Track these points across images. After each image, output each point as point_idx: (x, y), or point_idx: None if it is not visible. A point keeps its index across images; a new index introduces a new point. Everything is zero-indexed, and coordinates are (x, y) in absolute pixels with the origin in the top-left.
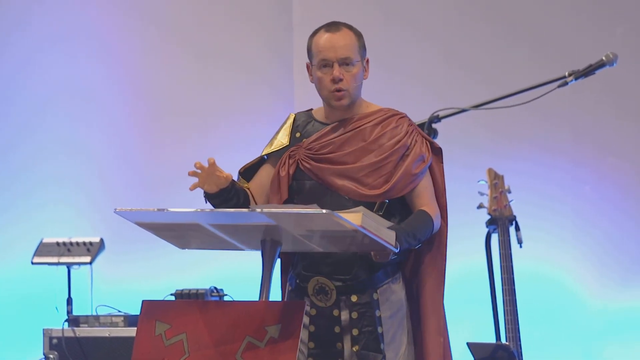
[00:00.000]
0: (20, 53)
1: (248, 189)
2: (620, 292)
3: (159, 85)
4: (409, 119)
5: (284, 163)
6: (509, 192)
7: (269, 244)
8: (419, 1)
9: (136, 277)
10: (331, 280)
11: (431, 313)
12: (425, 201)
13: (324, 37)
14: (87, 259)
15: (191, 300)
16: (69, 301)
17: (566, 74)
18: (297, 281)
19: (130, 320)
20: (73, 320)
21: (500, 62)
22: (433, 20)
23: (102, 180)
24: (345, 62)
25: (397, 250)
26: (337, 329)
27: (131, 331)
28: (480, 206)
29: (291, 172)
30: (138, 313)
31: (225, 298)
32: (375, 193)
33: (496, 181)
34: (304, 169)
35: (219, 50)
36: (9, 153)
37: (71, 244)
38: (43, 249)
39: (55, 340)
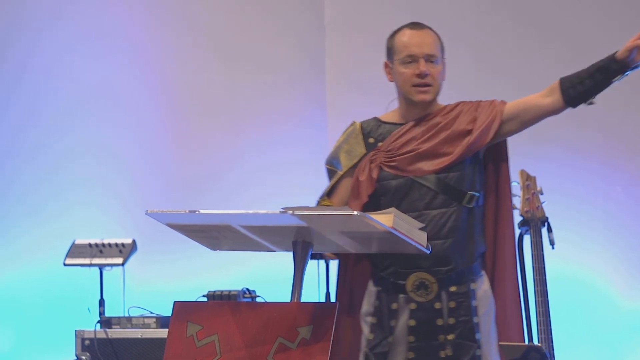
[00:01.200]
0: (50, 54)
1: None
2: None
3: (188, 86)
4: (479, 100)
5: (364, 168)
6: (541, 193)
7: (300, 245)
8: (449, 3)
9: (168, 278)
10: (432, 274)
11: (510, 298)
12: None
13: (409, 34)
14: (120, 260)
15: (223, 302)
16: (101, 302)
17: None
18: (391, 280)
19: (162, 322)
20: (105, 322)
21: (530, 63)
22: (463, 22)
23: (132, 182)
24: (430, 59)
25: (428, 252)
26: (439, 321)
27: (163, 332)
28: (512, 207)
29: (374, 176)
30: (170, 314)
31: (257, 299)
32: (454, 156)
33: (528, 182)
34: (389, 169)
35: (249, 51)
36: (39, 154)
37: (103, 245)
38: (75, 251)
39: (87, 342)
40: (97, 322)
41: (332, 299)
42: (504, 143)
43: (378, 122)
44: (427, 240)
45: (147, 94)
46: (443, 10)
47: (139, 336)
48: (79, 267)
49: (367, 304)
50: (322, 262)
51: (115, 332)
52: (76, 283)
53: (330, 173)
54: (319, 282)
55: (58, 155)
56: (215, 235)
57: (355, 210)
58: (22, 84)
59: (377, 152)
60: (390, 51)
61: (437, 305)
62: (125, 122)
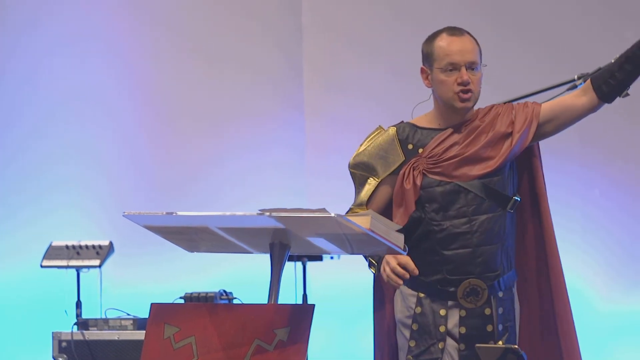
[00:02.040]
0: (29, 57)
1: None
2: (629, 296)
3: (167, 88)
4: (511, 102)
5: (408, 176)
6: None
7: (277, 246)
8: (429, 3)
9: (145, 280)
10: (482, 280)
11: (562, 309)
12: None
13: (449, 40)
14: (97, 262)
15: (200, 304)
16: (78, 304)
17: (575, 77)
18: (439, 287)
19: (139, 324)
20: (82, 324)
21: (508, 64)
22: (442, 22)
23: (111, 184)
24: (471, 67)
25: (405, 253)
26: (489, 328)
27: (140, 334)
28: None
29: (418, 183)
30: (147, 316)
31: (235, 301)
32: (499, 160)
33: None
34: (433, 175)
35: (228, 53)
36: (19, 157)
37: (80, 247)
38: (52, 252)
39: (64, 344)
40: (74, 324)
41: (309, 300)
42: (536, 145)
43: (414, 127)
44: (478, 247)
45: (126, 96)
46: (422, 10)
47: (116, 338)
48: (56, 269)
49: (405, 309)
50: (299, 264)
51: (92, 334)
52: (53, 285)
53: (358, 178)
54: (296, 283)
55: (37, 157)
56: (193, 237)
57: (334, 213)
58: (2, 86)
59: (419, 158)
60: (429, 57)
61: (488, 311)
62: (105, 124)
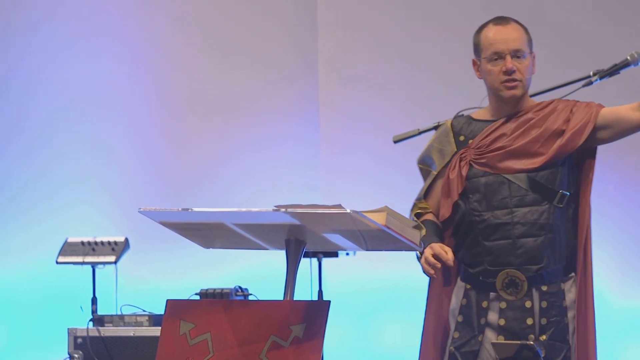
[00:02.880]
0: (43, 52)
1: (427, 208)
2: None
3: (181, 84)
4: (575, 100)
5: (455, 166)
6: None
7: (293, 243)
8: (441, 0)
9: (161, 276)
10: (522, 272)
11: (591, 307)
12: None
13: (494, 30)
14: (112, 258)
15: (216, 300)
16: (94, 301)
17: (591, 73)
18: (481, 278)
19: (154, 320)
20: (98, 320)
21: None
22: (456, 19)
23: (125, 180)
24: (517, 55)
25: (422, 250)
26: (529, 321)
27: (156, 330)
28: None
29: (464, 173)
30: (163, 312)
31: (250, 297)
32: (546, 157)
33: None
34: (478, 166)
35: (242, 49)
36: (33, 152)
37: (96, 243)
38: (68, 249)
39: (80, 340)
40: (90, 320)
41: (325, 297)
42: (594, 148)
43: (469, 119)
44: (519, 238)
45: (140, 92)
46: (436, 7)
47: (132, 334)
48: (71, 265)
49: (456, 301)
50: (314, 260)
51: (108, 330)
52: (69, 281)
53: (424, 173)
54: (312, 280)
55: (51, 153)
56: (208, 233)
57: (349, 209)
58: (15, 83)
59: (467, 149)
60: (477, 48)
61: (528, 304)
62: (119, 120)
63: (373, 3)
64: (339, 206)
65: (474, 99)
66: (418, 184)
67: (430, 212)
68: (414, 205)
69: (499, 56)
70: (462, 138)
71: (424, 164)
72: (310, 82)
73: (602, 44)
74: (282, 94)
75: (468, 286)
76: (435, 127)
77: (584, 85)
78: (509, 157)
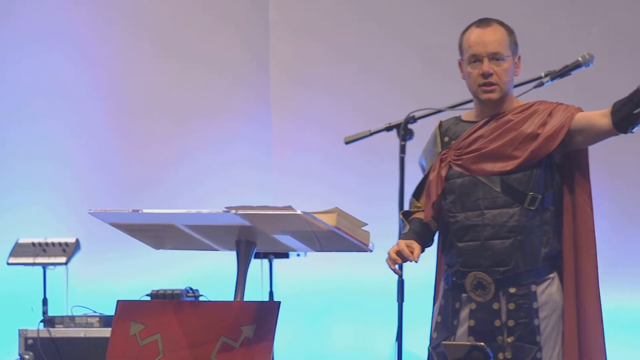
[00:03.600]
0: None
1: (419, 207)
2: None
3: (135, 85)
4: (557, 102)
5: (435, 167)
6: None
7: (243, 244)
8: (395, 1)
9: (112, 277)
10: (489, 274)
11: (591, 305)
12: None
13: (474, 33)
14: (63, 259)
15: (166, 301)
16: (45, 302)
17: (542, 74)
18: (454, 279)
19: (105, 321)
20: (48, 321)
21: None
22: (409, 20)
23: (77, 181)
24: (495, 57)
25: (371, 250)
26: (497, 323)
27: (106, 331)
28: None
29: (443, 174)
30: (113, 313)
31: (201, 298)
32: (519, 160)
33: None
34: (456, 168)
35: (194, 50)
36: None
37: (47, 244)
38: (19, 250)
39: (30, 341)
40: (41, 322)
41: (275, 298)
42: (584, 150)
43: (457, 120)
44: (487, 240)
45: (92, 92)
46: (389, 8)
47: (82, 335)
48: (22, 266)
49: (438, 302)
50: (265, 261)
51: (59, 332)
52: (19, 282)
53: (423, 173)
54: (262, 281)
55: (3, 154)
56: (159, 234)
57: (299, 210)
58: None
59: (449, 150)
60: (460, 50)
61: (495, 306)
62: (71, 121)
63: (325, 4)
64: (290, 207)
65: (426, 100)
66: (369, 185)
67: (422, 211)
68: (410, 203)
69: (477, 59)
70: (446, 139)
71: (420, 164)
72: (263, 83)
73: (554, 46)
74: (234, 95)
75: (446, 287)
76: (387, 129)
77: (535, 87)
78: (483, 159)
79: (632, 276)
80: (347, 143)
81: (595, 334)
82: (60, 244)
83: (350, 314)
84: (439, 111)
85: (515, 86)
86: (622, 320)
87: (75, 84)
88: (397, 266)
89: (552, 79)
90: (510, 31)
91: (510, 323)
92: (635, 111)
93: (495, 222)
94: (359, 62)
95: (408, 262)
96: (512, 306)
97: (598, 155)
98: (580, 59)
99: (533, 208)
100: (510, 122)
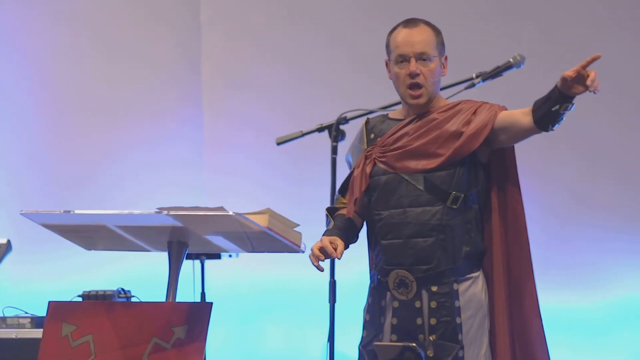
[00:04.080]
0: None
1: (345, 204)
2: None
3: (67, 83)
4: (482, 101)
5: (360, 164)
6: None
7: (175, 245)
8: (327, 3)
9: (43, 278)
10: (411, 272)
11: (527, 299)
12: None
13: (401, 33)
14: None
15: (98, 302)
16: None
17: (473, 75)
18: (379, 277)
19: (37, 322)
20: None
21: None
22: (340, 21)
23: (9, 181)
24: (421, 57)
25: (303, 251)
26: (419, 321)
27: (38, 332)
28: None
29: (368, 171)
30: (45, 314)
31: (133, 299)
32: (442, 158)
33: None
34: (381, 165)
35: (127, 48)
36: None
37: None
38: None
39: None
40: None
41: (207, 299)
42: (511, 147)
43: (383, 118)
44: (410, 238)
45: (24, 91)
46: (319, 9)
47: (14, 336)
48: None
49: (366, 300)
50: (197, 262)
51: None
52: None
53: (350, 170)
54: (194, 281)
55: None
56: (91, 235)
57: (231, 211)
58: None
59: (374, 147)
60: (387, 50)
61: (417, 304)
62: (4, 119)
63: (256, 5)
64: (221, 208)
65: (357, 101)
66: (300, 186)
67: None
68: (336, 199)
69: (404, 59)
70: (372, 136)
71: (347, 160)
72: (194, 83)
73: (485, 47)
74: (166, 94)
75: (372, 285)
76: (319, 129)
77: (466, 88)
78: (407, 157)
79: (564, 277)
80: (278, 144)
81: (536, 330)
82: None
83: (283, 314)
84: (371, 112)
85: (447, 87)
86: (556, 321)
87: (8, 81)
88: (320, 263)
89: (484, 79)
90: (437, 31)
91: (432, 321)
92: (554, 108)
93: (417, 220)
94: (290, 62)
95: (340, 263)
96: (433, 304)
97: (526, 159)
98: (511, 60)
99: (456, 207)
100: (435, 121)
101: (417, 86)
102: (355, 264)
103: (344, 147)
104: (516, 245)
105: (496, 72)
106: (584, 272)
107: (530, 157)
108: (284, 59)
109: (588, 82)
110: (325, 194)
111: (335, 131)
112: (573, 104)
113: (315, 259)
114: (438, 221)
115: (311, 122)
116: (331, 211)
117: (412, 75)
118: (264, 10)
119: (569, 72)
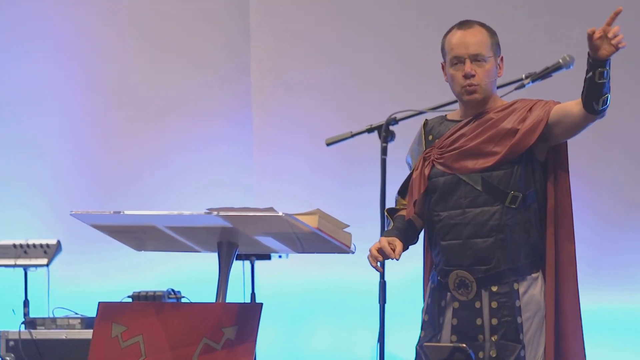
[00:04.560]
0: None
1: (405, 205)
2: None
3: (115, 84)
4: (538, 99)
5: (419, 166)
6: None
7: (225, 246)
8: (375, 5)
9: (93, 279)
10: (470, 273)
11: (570, 300)
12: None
13: (456, 35)
14: (44, 261)
15: (148, 302)
16: (26, 303)
17: (523, 76)
18: (439, 278)
19: (87, 323)
20: (30, 323)
21: None
22: (388, 23)
23: (58, 181)
24: (476, 59)
25: (353, 252)
26: (479, 321)
27: (88, 333)
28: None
29: (426, 172)
30: (95, 315)
31: (183, 300)
32: (498, 156)
33: None
34: (439, 166)
35: (176, 51)
36: None
37: (28, 245)
38: (0, 251)
39: (12, 343)
40: (22, 323)
41: (257, 299)
42: (563, 145)
43: (441, 119)
44: (469, 239)
45: (73, 92)
46: (368, 12)
47: (64, 337)
48: (3, 268)
49: (425, 301)
50: (247, 263)
51: (40, 333)
52: (0, 284)
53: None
54: (244, 282)
55: None
56: (140, 235)
57: (281, 212)
58: None
59: (432, 149)
60: (442, 53)
61: (477, 305)
62: (52, 121)
63: (305, 7)
64: (271, 209)
65: (407, 101)
66: (350, 187)
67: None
68: (395, 201)
69: (459, 60)
70: (430, 137)
71: (407, 162)
72: (243, 84)
73: (535, 48)
74: (215, 95)
75: (432, 285)
76: (369, 130)
77: (516, 88)
78: (464, 157)
79: (612, 277)
80: (328, 145)
81: (574, 334)
82: (41, 245)
83: (332, 315)
84: (421, 112)
85: (498, 87)
86: (603, 322)
87: (57, 83)
88: (379, 264)
89: (533, 80)
90: (492, 32)
91: (494, 321)
92: (588, 76)
93: (476, 220)
94: (339, 64)
95: (390, 263)
96: (494, 304)
97: (577, 161)
98: (560, 60)
99: (514, 206)
100: (492, 120)
101: (472, 86)
102: (406, 265)
103: (393, 147)
104: (564, 245)
105: (546, 73)
106: (633, 272)
107: (580, 158)
108: (332, 60)
109: (610, 35)
110: (375, 195)
111: (384, 132)
112: (607, 70)
113: (374, 260)
114: (497, 221)
115: (360, 122)
116: (391, 212)
117: (467, 76)
118: (312, 12)
119: (592, 30)
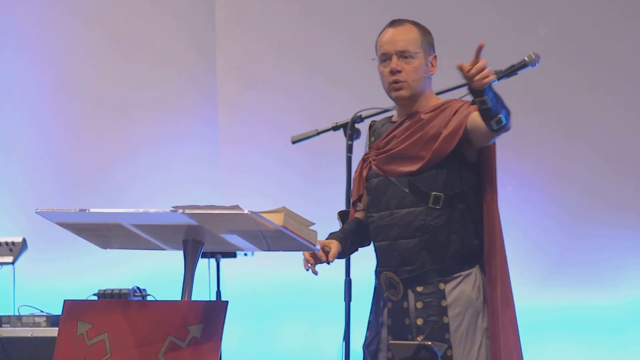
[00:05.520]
0: None
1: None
2: (541, 292)
3: (82, 81)
4: (466, 101)
5: (359, 167)
6: None
7: (191, 243)
8: (342, 2)
9: (59, 276)
10: (397, 274)
11: (500, 291)
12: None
13: (387, 33)
14: (10, 258)
15: (113, 300)
16: None
17: None
18: (376, 278)
19: (52, 320)
20: None
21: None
22: (356, 20)
23: (24, 178)
24: (403, 55)
25: (319, 249)
26: (407, 321)
27: (53, 331)
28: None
29: (364, 174)
30: (60, 313)
31: (148, 298)
32: (424, 161)
33: None
34: (374, 167)
35: (142, 46)
36: None
37: None
38: None
39: None
40: None
41: (223, 297)
42: (492, 146)
43: (385, 120)
44: (395, 240)
45: (41, 89)
46: (334, 9)
47: (29, 335)
48: None
49: (371, 301)
50: (212, 261)
51: (5, 331)
52: None
53: None
54: (210, 280)
55: None
56: (106, 233)
57: (247, 210)
58: None
59: (371, 151)
60: (375, 51)
61: (405, 305)
62: (20, 117)
63: (271, 2)
64: (237, 207)
65: (372, 99)
66: (315, 184)
67: (362, 209)
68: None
69: (387, 57)
70: (372, 139)
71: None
72: (210, 80)
73: (500, 46)
74: (181, 92)
75: (375, 286)
76: (334, 128)
77: None
78: (394, 160)
79: (581, 275)
80: (294, 142)
81: (509, 330)
82: (7, 243)
83: (298, 313)
84: (386, 110)
85: (461, 85)
86: (573, 319)
87: (23, 79)
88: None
89: (498, 78)
90: (424, 31)
91: (419, 322)
92: (474, 103)
93: (402, 221)
94: (306, 60)
95: (356, 260)
96: (419, 305)
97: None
98: (526, 58)
99: (438, 207)
100: (420, 122)
101: (397, 82)
102: (371, 263)
103: (358, 145)
104: (492, 243)
105: (511, 71)
106: (600, 270)
107: (548, 155)
108: (299, 56)
109: (473, 72)
110: (341, 192)
111: (350, 130)
112: (485, 98)
113: (306, 263)
114: (422, 222)
115: (327, 120)
116: (343, 214)
117: (393, 72)
118: (279, 7)
119: (460, 64)
